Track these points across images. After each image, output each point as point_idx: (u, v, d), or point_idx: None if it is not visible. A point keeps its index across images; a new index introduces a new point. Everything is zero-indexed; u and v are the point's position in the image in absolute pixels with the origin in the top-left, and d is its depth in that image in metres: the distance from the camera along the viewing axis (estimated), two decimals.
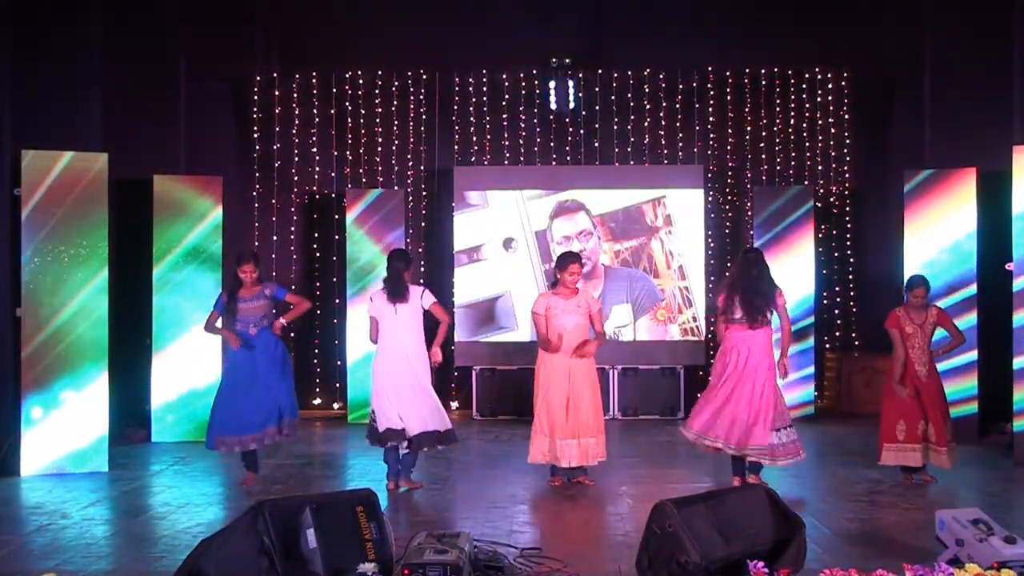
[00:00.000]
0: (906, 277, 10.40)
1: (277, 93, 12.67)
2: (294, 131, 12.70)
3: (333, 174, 12.72)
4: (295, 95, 12.71)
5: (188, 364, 10.39)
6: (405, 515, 7.09)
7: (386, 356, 7.97)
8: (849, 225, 12.78)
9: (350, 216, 11.88)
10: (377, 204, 11.89)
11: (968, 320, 10.14)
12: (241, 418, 7.91)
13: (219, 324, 8.13)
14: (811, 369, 11.82)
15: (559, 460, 7.92)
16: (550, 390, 7.96)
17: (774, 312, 7.94)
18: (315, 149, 12.72)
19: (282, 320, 8.20)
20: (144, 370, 10.46)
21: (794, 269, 11.69)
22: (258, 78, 12.65)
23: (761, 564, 4.91)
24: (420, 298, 8.00)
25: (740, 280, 7.98)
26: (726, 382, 7.86)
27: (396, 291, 7.97)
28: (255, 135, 12.68)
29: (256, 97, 12.68)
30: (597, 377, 8.21)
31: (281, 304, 8.27)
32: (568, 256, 8.17)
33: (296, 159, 12.73)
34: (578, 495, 7.74)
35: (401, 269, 7.99)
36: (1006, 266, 9.28)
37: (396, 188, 12.39)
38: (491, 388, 12.15)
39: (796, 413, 11.63)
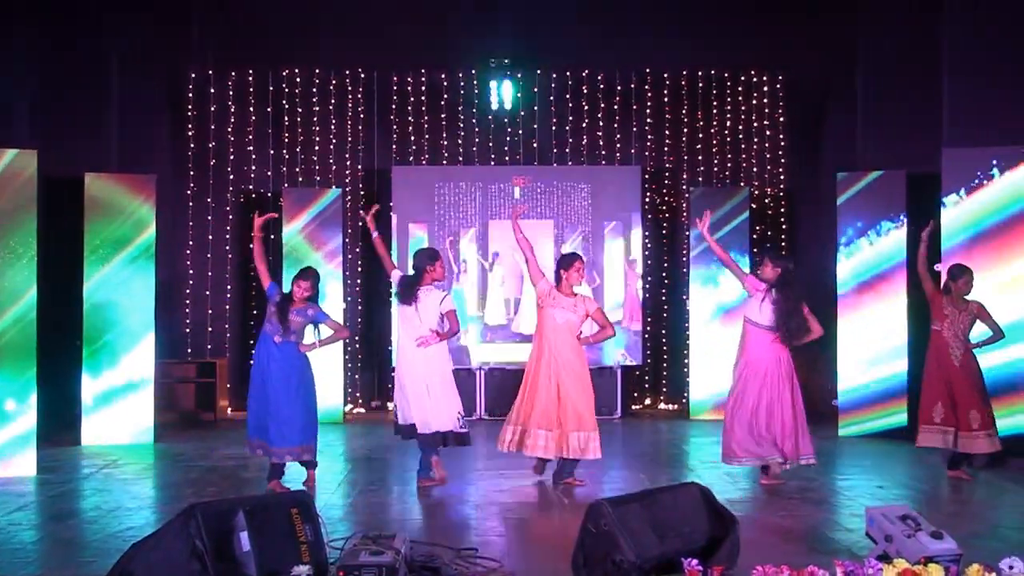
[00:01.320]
0: (839, 277, 10.62)
1: (212, 91, 12.54)
2: (230, 129, 12.58)
3: (269, 173, 12.61)
4: (231, 93, 12.59)
5: (120, 365, 10.22)
6: (341, 517, 7.04)
7: (404, 355, 7.95)
8: (784, 226, 12.94)
9: (286, 214, 11.76)
10: (315, 203, 11.79)
11: (899, 319, 10.34)
12: (267, 426, 7.71)
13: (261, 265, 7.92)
14: None
15: (525, 449, 7.94)
16: (536, 382, 7.98)
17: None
18: (251, 148, 12.60)
19: (316, 344, 7.94)
20: (74, 372, 10.27)
21: (728, 270, 11.81)
22: (193, 76, 12.51)
23: (695, 562, 4.94)
24: (439, 303, 7.93)
25: (791, 297, 7.93)
26: (762, 398, 7.88)
27: (404, 294, 7.94)
28: (190, 133, 12.54)
29: (191, 95, 12.54)
30: (586, 375, 8.12)
31: (317, 326, 7.95)
32: (572, 256, 8.18)
33: (232, 158, 12.60)
34: (514, 495, 7.74)
35: (422, 268, 7.93)
36: (935, 267, 9.45)
37: (334, 187, 12.31)
38: None
39: None
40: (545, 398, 7.93)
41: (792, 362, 8.03)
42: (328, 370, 11.49)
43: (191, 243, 12.51)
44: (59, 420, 10.29)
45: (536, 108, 12.73)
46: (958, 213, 9.08)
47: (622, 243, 12.48)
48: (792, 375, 7.98)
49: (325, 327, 7.98)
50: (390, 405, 12.45)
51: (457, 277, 12.30)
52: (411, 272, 8.04)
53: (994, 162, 8.96)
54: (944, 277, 8.39)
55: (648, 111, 12.85)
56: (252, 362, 8.03)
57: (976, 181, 9.01)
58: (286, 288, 8.02)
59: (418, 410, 7.85)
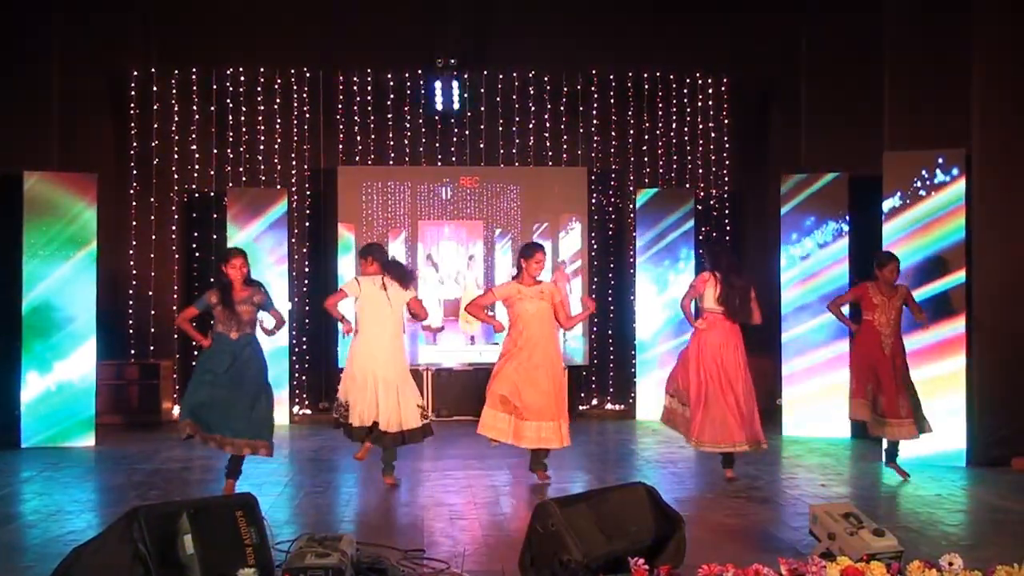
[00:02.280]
0: (783, 277, 10.74)
1: (155, 89, 12.37)
2: (173, 129, 12.41)
3: (213, 173, 12.47)
4: (174, 92, 12.42)
5: (61, 367, 10.05)
6: (287, 519, 6.99)
7: (373, 344, 7.86)
8: (728, 227, 13.05)
9: (232, 215, 11.66)
10: (260, 203, 11.71)
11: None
12: (224, 416, 7.42)
13: (193, 323, 7.68)
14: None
15: (518, 441, 7.98)
16: (512, 373, 7.99)
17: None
18: (195, 147, 12.46)
19: (272, 323, 7.82)
20: (13, 373, 10.07)
21: (675, 270, 11.93)
22: (135, 74, 12.34)
23: (642, 561, 4.97)
24: (405, 291, 7.98)
25: (729, 272, 8.10)
26: (722, 384, 8.02)
27: (405, 276, 7.98)
28: (132, 132, 12.36)
29: (133, 93, 12.36)
30: (559, 366, 8.22)
31: (265, 314, 7.77)
32: (533, 245, 8.26)
33: (176, 157, 12.44)
34: (461, 496, 7.74)
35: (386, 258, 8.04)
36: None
37: (279, 187, 12.22)
38: None
39: None
40: (508, 387, 7.95)
41: (745, 348, 8.18)
42: (274, 371, 11.43)
43: (134, 243, 12.34)
44: None
45: (483, 109, 12.72)
46: (899, 215, 9.16)
47: (564, 243, 12.51)
48: (746, 360, 8.15)
49: (269, 316, 7.83)
50: None
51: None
52: (392, 261, 8.13)
53: (939, 160, 9.05)
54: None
55: (594, 113, 12.89)
56: (207, 364, 7.55)
57: (917, 183, 9.11)
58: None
59: (385, 407, 7.79)
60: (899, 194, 9.15)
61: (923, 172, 9.08)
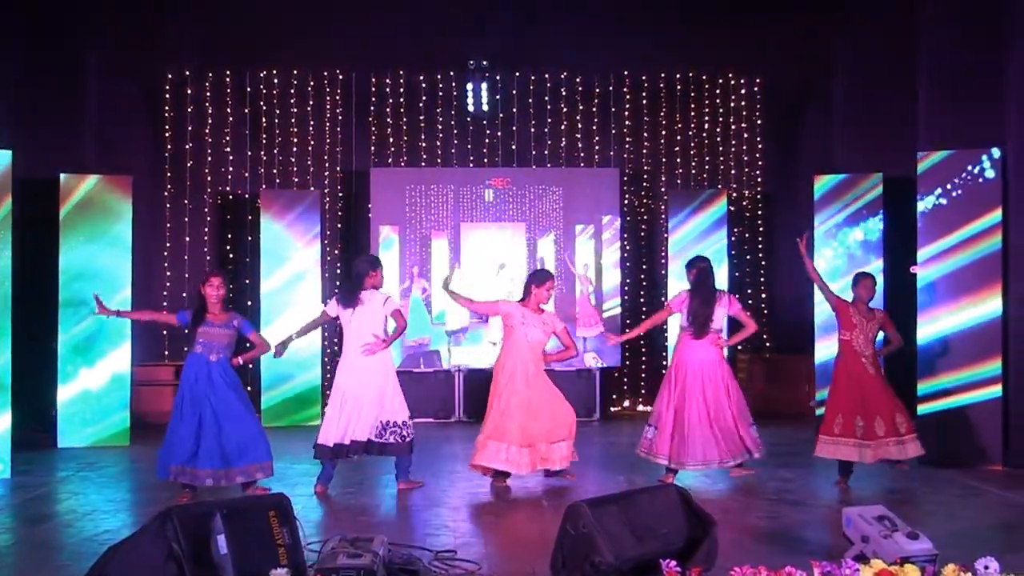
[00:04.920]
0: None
1: (190, 92, 12.47)
2: (207, 131, 12.51)
3: (247, 174, 12.55)
4: (208, 94, 12.52)
5: (96, 368, 10.15)
6: (319, 520, 7.02)
7: (344, 362, 7.89)
8: (761, 228, 12.99)
9: (265, 216, 11.73)
10: (293, 205, 11.77)
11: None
12: (207, 450, 7.42)
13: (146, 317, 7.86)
14: None
15: (517, 468, 7.91)
16: (511, 398, 7.94)
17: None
18: (228, 149, 12.55)
19: (239, 359, 7.73)
20: (49, 374, 10.19)
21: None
22: (170, 76, 12.43)
23: (673, 563, 4.95)
24: (383, 304, 7.88)
25: (696, 290, 8.10)
26: (687, 401, 7.99)
27: (345, 296, 7.90)
28: (167, 134, 12.46)
29: (168, 96, 12.46)
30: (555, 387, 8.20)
31: (244, 340, 7.79)
32: (546, 273, 8.21)
33: (209, 159, 12.53)
34: (493, 498, 7.74)
35: (362, 274, 7.90)
36: (911, 269, 9.50)
37: (312, 189, 12.28)
38: (408, 391, 12.04)
39: None
40: (522, 416, 7.90)
41: (727, 364, 8.18)
42: (309, 375, 11.54)
43: (168, 244, 12.45)
44: (34, 422, 10.21)
45: (514, 110, 12.73)
46: (933, 215, 9.05)
47: (595, 245, 12.47)
48: (729, 375, 8.12)
49: (249, 339, 7.79)
50: None
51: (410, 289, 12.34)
52: (351, 276, 8.02)
53: (976, 161, 8.91)
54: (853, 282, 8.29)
55: (626, 114, 12.87)
56: (185, 391, 7.58)
57: (951, 183, 8.98)
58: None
59: (357, 420, 7.78)
60: (935, 195, 9.00)
61: (958, 173, 8.93)
